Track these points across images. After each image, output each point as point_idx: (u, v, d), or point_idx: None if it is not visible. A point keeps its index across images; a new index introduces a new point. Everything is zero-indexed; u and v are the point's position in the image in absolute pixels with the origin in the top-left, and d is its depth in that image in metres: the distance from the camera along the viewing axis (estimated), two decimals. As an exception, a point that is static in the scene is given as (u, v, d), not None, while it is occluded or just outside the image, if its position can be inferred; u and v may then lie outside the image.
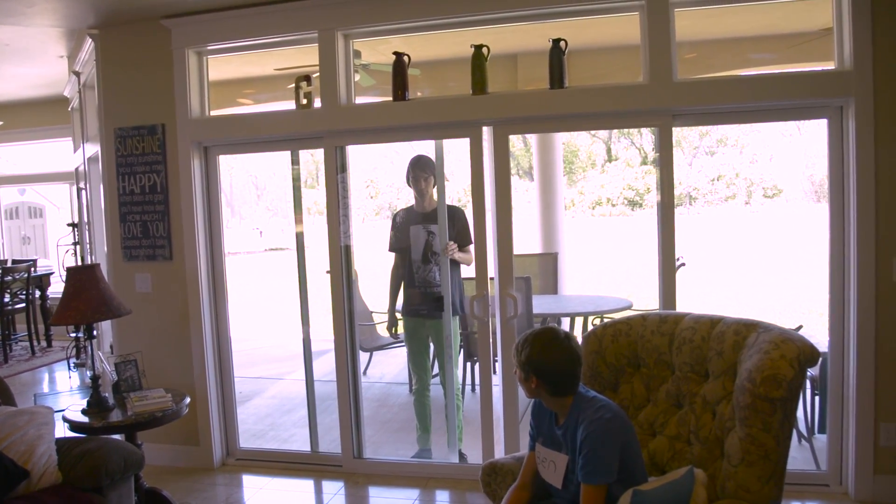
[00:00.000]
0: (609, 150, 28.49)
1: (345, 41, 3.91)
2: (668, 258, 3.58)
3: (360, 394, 4.20)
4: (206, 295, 4.22)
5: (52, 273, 8.50)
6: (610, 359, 2.77)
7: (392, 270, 4.38)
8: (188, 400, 3.53)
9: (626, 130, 26.85)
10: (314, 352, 4.47)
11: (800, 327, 3.96)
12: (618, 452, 2.21)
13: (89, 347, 3.35)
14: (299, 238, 4.39)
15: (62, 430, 3.39)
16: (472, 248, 4.14)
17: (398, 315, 4.39)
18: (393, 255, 4.38)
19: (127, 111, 4.21)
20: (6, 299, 7.17)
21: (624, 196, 27.44)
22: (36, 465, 2.88)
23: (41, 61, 5.95)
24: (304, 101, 3.96)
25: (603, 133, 26.27)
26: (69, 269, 3.33)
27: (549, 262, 6.61)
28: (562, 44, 3.57)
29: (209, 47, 4.10)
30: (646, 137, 27.47)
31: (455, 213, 4.14)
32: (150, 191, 4.19)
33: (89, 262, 5.80)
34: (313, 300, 4.50)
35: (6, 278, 7.15)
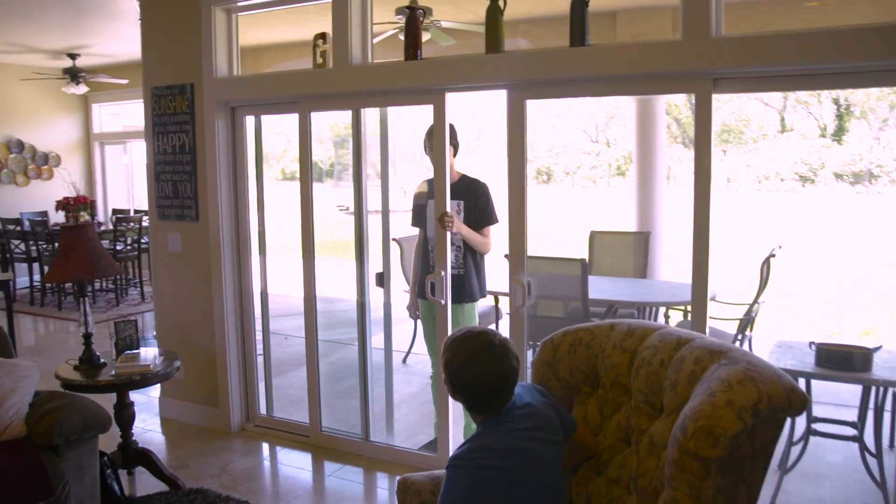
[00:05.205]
0: (783, 120, 25.86)
1: (360, -4, 3.60)
2: (702, 241, 2.98)
3: (368, 376, 4.00)
4: (229, 258, 4.16)
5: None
6: (563, 373, 2.30)
7: (416, 247, 4.07)
8: (178, 363, 3.48)
9: (802, 99, 24.18)
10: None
11: (878, 347, 3.15)
12: None
13: (82, 306, 3.36)
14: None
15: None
16: (490, 230, 3.74)
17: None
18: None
19: (162, 70, 4.20)
20: (119, 247, 7.70)
21: (795, 171, 24.93)
22: (2, 416, 2.92)
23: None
24: (321, 60, 3.72)
25: (776, 101, 23.86)
26: (62, 228, 3.36)
27: (640, 242, 5.96)
28: (586, -5, 3.02)
29: (238, 4, 3.96)
30: (826, 107, 24.59)
31: (475, 188, 3.73)
32: (180, 150, 4.17)
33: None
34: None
35: (119, 227, 7.68)
